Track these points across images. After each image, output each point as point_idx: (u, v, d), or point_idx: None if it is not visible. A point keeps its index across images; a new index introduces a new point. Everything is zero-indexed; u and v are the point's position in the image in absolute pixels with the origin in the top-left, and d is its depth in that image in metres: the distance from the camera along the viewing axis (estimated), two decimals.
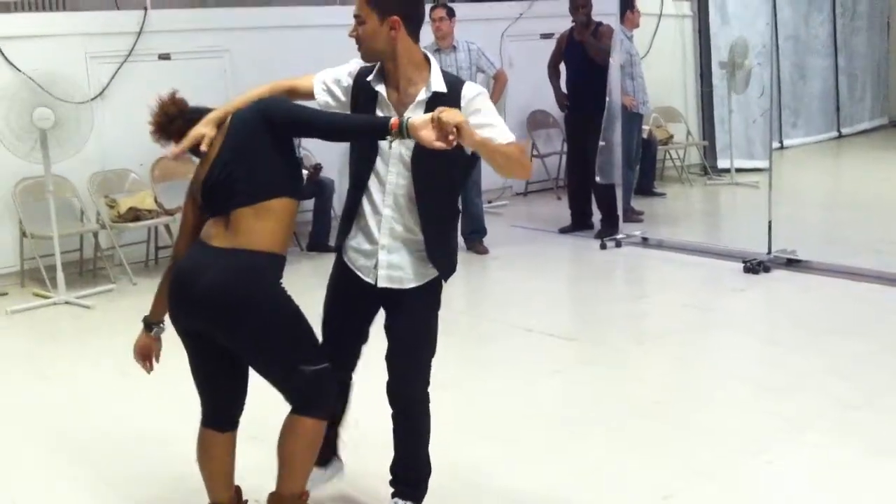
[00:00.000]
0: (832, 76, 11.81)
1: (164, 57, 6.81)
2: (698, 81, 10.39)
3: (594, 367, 4.95)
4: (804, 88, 11.41)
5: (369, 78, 2.96)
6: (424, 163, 2.90)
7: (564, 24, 7.77)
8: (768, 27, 9.81)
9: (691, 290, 6.40)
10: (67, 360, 5.36)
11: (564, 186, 8.65)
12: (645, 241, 7.47)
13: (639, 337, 5.52)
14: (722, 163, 10.09)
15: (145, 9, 7.18)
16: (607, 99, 7.40)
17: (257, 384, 3.00)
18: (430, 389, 3.19)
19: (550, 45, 8.04)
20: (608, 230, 7.59)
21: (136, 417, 4.38)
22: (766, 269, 6.43)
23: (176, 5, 7.66)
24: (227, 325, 2.83)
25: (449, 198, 3.10)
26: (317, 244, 7.50)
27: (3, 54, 6.54)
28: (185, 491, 3.35)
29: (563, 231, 7.93)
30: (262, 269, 2.85)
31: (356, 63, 3.04)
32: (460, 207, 3.17)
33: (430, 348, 3.15)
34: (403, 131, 2.65)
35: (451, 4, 7.40)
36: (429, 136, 2.63)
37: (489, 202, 8.57)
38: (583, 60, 7.56)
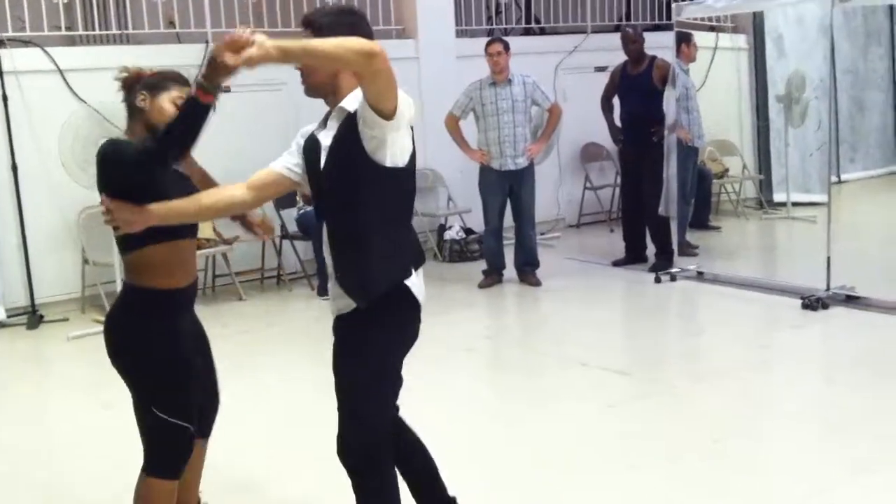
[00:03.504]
0: (891, 110, 11.67)
1: (224, 90, 6.91)
2: (754, 115, 10.32)
3: (649, 402, 4.90)
4: (862, 122, 11.28)
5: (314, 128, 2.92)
6: (329, 179, 2.78)
7: (619, 57, 7.78)
8: (826, 61, 9.72)
9: (748, 326, 6.32)
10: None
11: (617, 219, 8.62)
12: (700, 276, 7.40)
13: (695, 373, 5.45)
14: (778, 196, 10.00)
15: (206, 42, 7.34)
16: (665, 132, 7.38)
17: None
18: (421, 437, 3.04)
19: (604, 77, 8.05)
20: (663, 264, 7.53)
21: None
22: (825, 306, 6.32)
23: None
24: None
25: (352, 217, 2.75)
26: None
27: (68, 85, 6.71)
28: None
29: (617, 264, 7.89)
30: None
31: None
32: (392, 237, 2.78)
33: (358, 394, 2.74)
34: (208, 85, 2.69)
35: (505, 38, 7.44)
36: (229, 60, 2.54)
37: (542, 234, 8.56)
38: (637, 94, 7.56)
